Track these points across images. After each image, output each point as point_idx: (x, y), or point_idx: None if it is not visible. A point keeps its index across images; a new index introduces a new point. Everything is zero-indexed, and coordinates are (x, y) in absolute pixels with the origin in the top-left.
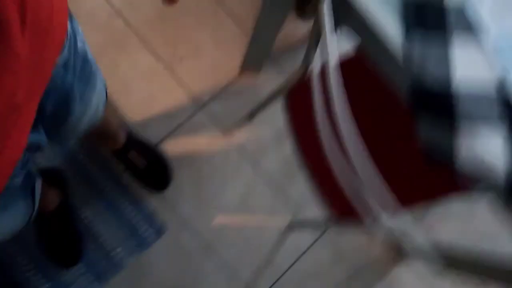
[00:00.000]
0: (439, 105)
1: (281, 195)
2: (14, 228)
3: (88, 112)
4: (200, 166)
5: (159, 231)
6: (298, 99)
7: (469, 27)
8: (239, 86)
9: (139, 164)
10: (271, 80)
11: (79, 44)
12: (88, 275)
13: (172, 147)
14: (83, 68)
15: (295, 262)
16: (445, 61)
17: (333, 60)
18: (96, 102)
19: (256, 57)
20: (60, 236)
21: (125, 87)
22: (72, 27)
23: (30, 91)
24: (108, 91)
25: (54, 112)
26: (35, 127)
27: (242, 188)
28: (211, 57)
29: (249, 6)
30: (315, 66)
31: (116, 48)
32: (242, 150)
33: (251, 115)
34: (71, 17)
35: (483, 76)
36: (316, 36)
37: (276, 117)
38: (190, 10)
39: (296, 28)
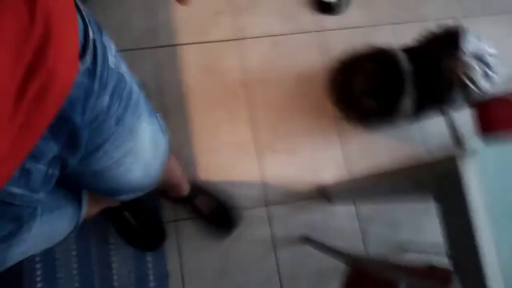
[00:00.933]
0: None
1: None
2: (63, 233)
3: (142, 156)
4: (227, 251)
5: (162, 278)
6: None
7: None
8: (311, 204)
9: (204, 210)
10: (345, 217)
11: (110, 58)
12: None
13: None
14: (118, 85)
15: None
16: None
17: None
18: (151, 144)
19: (342, 195)
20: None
21: (212, 147)
22: (101, 40)
23: (16, 146)
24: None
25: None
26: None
27: None
28: (302, 162)
29: (366, 153)
30: None
31: (227, 111)
32: (276, 266)
33: (305, 240)
34: (100, 30)
35: None
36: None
37: (324, 258)
38: (309, 113)
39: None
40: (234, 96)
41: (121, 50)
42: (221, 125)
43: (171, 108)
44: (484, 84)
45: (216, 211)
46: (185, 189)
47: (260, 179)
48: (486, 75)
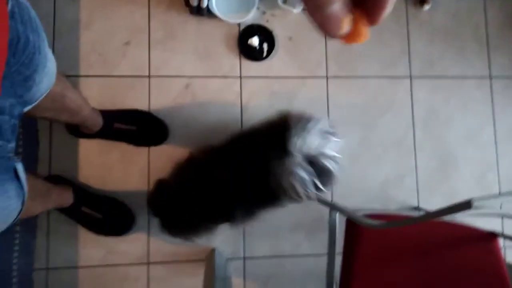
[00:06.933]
0: None
1: None
2: (10, 215)
3: (49, 68)
4: None
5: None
6: None
7: None
8: (196, 268)
9: (130, 127)
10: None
11: None
12: None
13: None
14: (31, 20)
15: None
16: None
17: None
18: (52, 63)
19: None
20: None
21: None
22: None
23: None
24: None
25: (18, 68)
26: None
27: None
28: None
29: None
30: None
31: (121, 154)
32: None
33: None
34: None
35: None
36: None
37: None
38: None
39: None
40: None
41: None
42: (114, 167)
43: (59, 133)
44: (306, 194)
45: (144, 124)
46: (97, 120)
47: (147, 235)
48: (314, 184)
